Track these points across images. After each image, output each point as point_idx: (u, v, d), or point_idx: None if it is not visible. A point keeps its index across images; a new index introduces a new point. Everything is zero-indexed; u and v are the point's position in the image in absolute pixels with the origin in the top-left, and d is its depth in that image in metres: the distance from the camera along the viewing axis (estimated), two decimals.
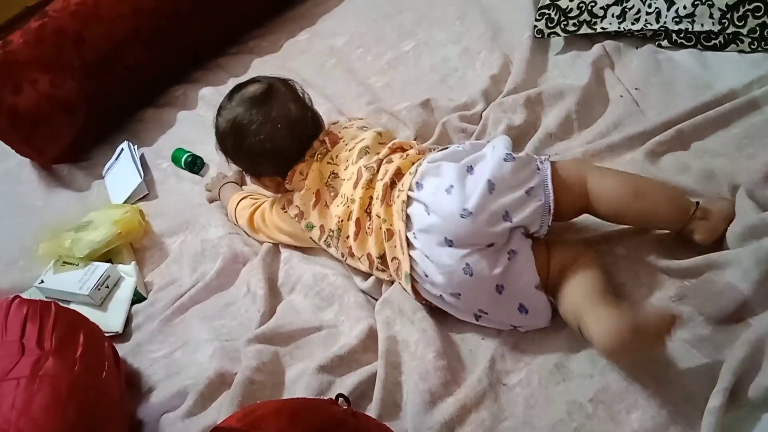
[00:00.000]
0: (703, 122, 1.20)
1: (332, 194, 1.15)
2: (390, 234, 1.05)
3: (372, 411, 0.97)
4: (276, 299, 1.21)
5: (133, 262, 1.37)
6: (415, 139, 1.36)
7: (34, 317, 1.04)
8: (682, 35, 1.34)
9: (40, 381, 0.94)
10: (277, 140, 1.15)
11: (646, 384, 0.89)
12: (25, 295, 1.31)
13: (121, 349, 1.20)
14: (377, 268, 1.10)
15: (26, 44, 1.60)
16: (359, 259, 1.12)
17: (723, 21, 1.28)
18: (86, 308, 1.28)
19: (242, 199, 1.33)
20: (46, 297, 1.33)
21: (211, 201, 1.44)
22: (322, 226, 1.15)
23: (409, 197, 1.02)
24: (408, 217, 1.02)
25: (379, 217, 1.06)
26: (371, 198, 1.09)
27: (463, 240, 0.95)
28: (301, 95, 1.21)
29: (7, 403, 0.91)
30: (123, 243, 1.39)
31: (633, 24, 1.37)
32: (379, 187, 1.08)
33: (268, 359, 1.09)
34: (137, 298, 1.31)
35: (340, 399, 0.85)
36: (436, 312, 1.06)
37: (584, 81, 1.34)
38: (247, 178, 1.37)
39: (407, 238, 1.01)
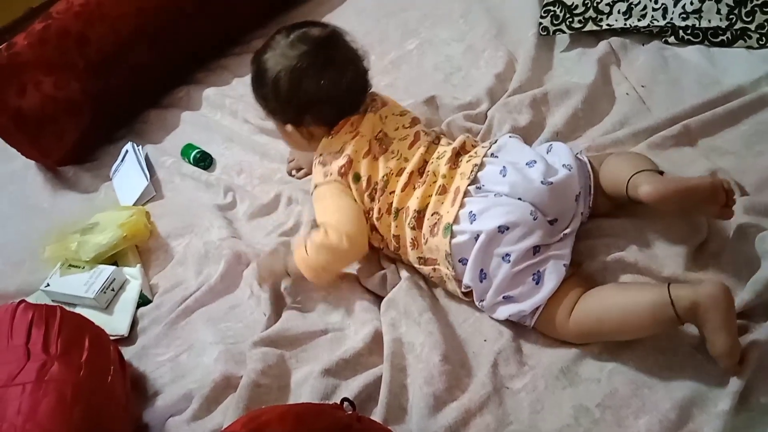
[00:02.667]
0: (710, 119, 1.20)
1: (382, 147, 1.13)
2: (443, 189, 1.06)
3: (377, 415, 0.97)
4: (281, 302, 1.20)
5: (139, 265, 1.37)
6: None
7: (40, 322, 1.04)
8: (689, 31, 1.33)
9: (45, 386, 0.95)
10: (340, 88, 1.11)
11: (654, 388, 0.88)
12: (31, 299, 1.32)
13: (127, 352, 1.20)
14: (410, 225, 1.06)
15: (30, 46, 1.60)
16: (396, 212, 1.09)
17: (731, 17, 1.26)
18: (92, 311, 1.28)
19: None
20: (52, 300, 1.33)
21: (272, 282, 1.21)
22: (369, 177, 1.11)
23: (483, 162, 1.06)
24: (476, 178, 1.04)
25: (436, 174, 1.08)
26: (425, 161, 1.11)
27: (537, 204, 0.99)
28: (360, 48, 1.17)
29: (13, 409, 0.92)
30: (129, 246, 1.39)
31: (639, 20, 1.36)
32: (442, 150, 1.11)
33: (274, 362, 1.09)
34: (143, 301, 1.31)
35: (346, 403, 0.85)
36: (441, 314, 1.06)
37: (590, 79, 1.33)
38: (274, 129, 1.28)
39: (466, 191, 1.03)
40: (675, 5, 1.31)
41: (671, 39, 1.35)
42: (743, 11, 1.25)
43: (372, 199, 1.12)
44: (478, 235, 0.98)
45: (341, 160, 1.12)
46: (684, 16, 1.30)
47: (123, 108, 1.74)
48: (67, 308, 1.26)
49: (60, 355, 1.00)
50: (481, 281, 1.00)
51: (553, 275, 0.97)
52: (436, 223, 1.04)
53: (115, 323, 1.26)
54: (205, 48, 1.84)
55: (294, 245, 1.20)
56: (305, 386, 1.05)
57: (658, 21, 1.33)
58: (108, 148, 1.71)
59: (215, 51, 1.86)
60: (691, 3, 1.29)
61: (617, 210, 1.09)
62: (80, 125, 1.66)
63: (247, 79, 1.71)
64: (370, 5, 1.81)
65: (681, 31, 1.33)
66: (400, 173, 1.10)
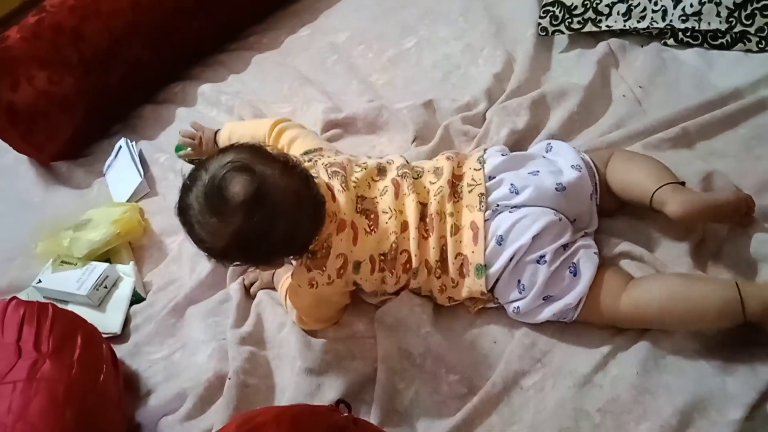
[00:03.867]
0: (708, 122, 1.20)
1: (372, 217, 1.03)
2: (456, 229, 1.02)
3: (372, 417, 0.96)
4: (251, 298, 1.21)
5: (132, 262, 1.36)
6: (414, 140, 1.35)
7: (31, 319, 1.02)
8: (688, 34, 1.32)
9: (37, 384, 0.94)
10: (298, 224, 0.95)
11: (656, 395, 0.88)
12: (22, 295, 1.31)
13: (120, 350, 1.19)
14: (435, 274, 1.02)
15: (23, 40, 1.58)
16: (414, 272, 1.03)
17: (730, 19, 1.26)
18: (84, 309, 1.27)
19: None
20: (44, 297, 1.31)
21: (255, 291, 1.20)
22: (371, 257, 1.02)
23: (487, 189, 1.02)
24: (488, 204, 1.02)
25: (441, 214, 1.02)
26: (422, 204, 1.03)
27: (557, 207, 1.00)
28: (277, 157, 0.97)
29: (4, 407, 0.90)
30: (122, 242, 1.38)
31: (639, 22, 1.35)
32: (435, 187, 1.05)
33: (259, 362, 1.09)
34: (136, 298, 1.30)
35: (341, 405, 0.84)
36: (443, 322, 1.06)
37: (588, 80, 1.33)
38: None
39: (484, 221, 1.00)
40: (675, 7, 1.31)
41: (670, 41, 1.35)
42: (743, 14, 1.25)
43: (383, 271, 1.03)
44: (512, 256, 0.98)
45: (336, 262, 1.00)
46: (683, 18, 1.30)
47: (117, 103, 1.73)
48: (59, 305, 1.25)
49: (52, 353, 0.98)
50: (520, 292, 0.99)
51: (588, 263, 0.97)
52: (462, 263, 1.02)
53: (107, 321, 1.25)
54: (201, 43, 1.82)
55: (281, 285, 1.14)
56: (290, 384, 1.04)
57: (657, 23, 1.33)
58: (102, 143, 1.70)
59: (211, 47, 1.85)
60: (691, 5, 1.29)
61: (618, 208, 1.10)
62: (74, 121, 1.64)
63: (244, 75, 1.74)
64: (368, 2, 1.79)
65: (680, 34, 1.33)
66: (404, 229, 1.02)
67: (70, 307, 1.26)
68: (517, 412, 0.94)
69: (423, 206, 1.04)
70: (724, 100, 1.21)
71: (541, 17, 1.44)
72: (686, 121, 1.20)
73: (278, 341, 1.13)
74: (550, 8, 1.43)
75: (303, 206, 0.95)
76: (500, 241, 0.99)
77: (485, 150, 1.12)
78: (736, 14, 1.25)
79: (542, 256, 0.97)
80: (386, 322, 1.07)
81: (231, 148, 0.97)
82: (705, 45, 1.32)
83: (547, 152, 1.10)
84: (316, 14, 1.84)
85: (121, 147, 1.61)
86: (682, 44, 1.34)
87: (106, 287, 1.30)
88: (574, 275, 0.97)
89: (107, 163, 1.62)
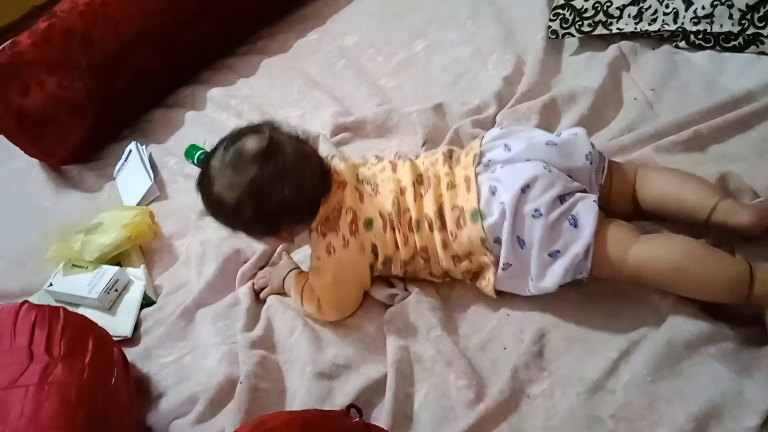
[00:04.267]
0: (721, 125, 1.18)
1: (372, 184, 1.09)
2: (452, 185, 1.04)
3: (382, 422, 0.96)
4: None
5: (143, 266, 1.36)
6: (424, 143, 1.35)
7: (43, 323, 1.02)
8: (700, 36, 1.31)
9: (48, 388, 0.94)
10: (304, 186, 1.03)
11: (671, 401, 0.87)
12: (34, 298, 1.32)
13: (131, 353, 1.18)
14: (434, 226, 1.03)
15: (34, 45, 1.59)
16: (418, 223, 1.05)
17: (743, 22, 1.25)
18: (95, 312, 1.27)
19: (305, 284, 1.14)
20: (55, 300, 1.32)
21: (265, 296, 1.21)
22: (380, 213, 1.06)
23: (482, 152, 1.06)
24: (480, 162, 1.04)
25: (438, 176, 1.06)
26: (419, 174, 1.08)
27: (545, 160, 1.00)
28: (291, 130, 1.09)
29: (16, 411, 0.90)
30: (132, 246, 1.38)
31: (650, 25, 1.34)
32: (432, 158, 1.10)
33: (270, 366, 1.09)
34: (146, 302, 1.30)
35: (352, 410, 0.84)
36: (453, 327, 1.06)
37: (598, 83, 1.32)
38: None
39: (476, 173, 1.03)
40: (686, 10, 1.30)
41: (682, 44, 1.34)
42: (756, 16, 1.24)
43: (394, 230, 1.06)
44: (505, 208, 0.97)
45: (347, 217, 1.05)
46: (695, 20, 1.29)
47: (127, 108, 1.74)
48: (70, 309, 1.26)
49: (63, 357, 0.98)
50: (521, 248, 0.98)
51: (588, 211, 0.96)
52: (459, 215, 1.02)
53: (118, 324, 1.26)
54: (210, 48, 1.83)
55: (294, 281, 1.16)
56: (301, 389, 1.04)
57: (668, 25, 1.32)
58: (112, 147, 1.71)
59: (220, 51, 1.86)
60: (703, 8, 1.28)
61: (631, 217, 1.08)
62: (84, 125, 1.65)
63: (253, 79, 1.75)
64: (377, 6, 1.80)
65: (692, 36, 1.32)
66: (403, 192, 1.07)
67: (81, 311, 1.26)
68: (526, 420, 0.93)
69: (419, 175, 1.08)
70: (737, 102, 1.20)
71: (551, 20, 1.44)
72: (698, 124, 1.18)
73: (289, 345, 1.12)
74: (560, 11, 1.42)
75: (311, 165, 1.05)
76: (494, 191, 1.00)
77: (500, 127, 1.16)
78: (748, 16, 1.24)
79: (537, 209, 0.96)
80: (396, 325, 1.07)
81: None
82: (717, 47, 1.31)
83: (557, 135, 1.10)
84: (324, 18, 1.85)
85: (131, 151, 1.61)
86: (694, 47, 1.33)
87: (116, 290, 1.30)
88: (575, 226, 0.95)
89: (117, 167, 1.63)
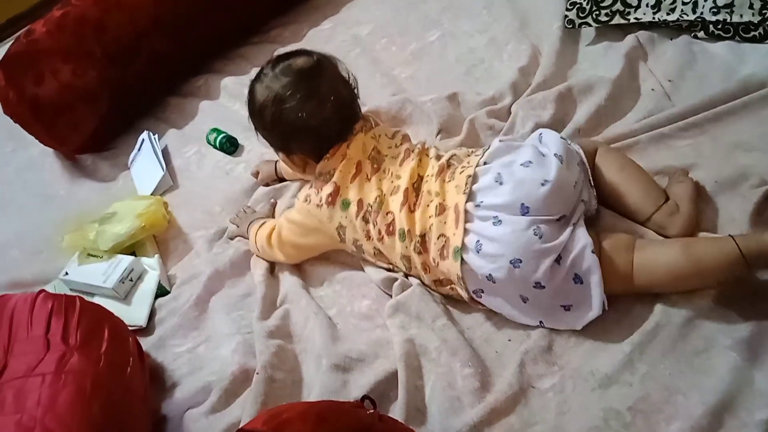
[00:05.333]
0: (737, 115, 1.17)
1: (374, 167, 1.11)
2: (442, 209, 1.03)
3: (397, 416, 0.96)
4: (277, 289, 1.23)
5: (157, 255, 1.37)
6: (438, 133, 1.34)
7: (59, 312, 1.03)
8: (719, 26, 1.30)
9: (65, 377, 0.94)
10: (321, 118, 1.10)
11: (688, 394, 0.87)
12: (49, 287, 1.33)
13: (145, 343, 1.19)
14: (416, 250, 1.05)
15: (48, 33, 1.59)
16: (401, 235, 1.06)
17: (763, 11, 1.23)
18: (110, 301, 1.28)
19: (261, 225, 1.26)
20: (71, 289, 1.33)
21: (233, 237, 1.34)
22: (360, 201, 1.10)
23: (476, 173, 1.04)
24: (471, 192, 1.02)
25: (431, 193, 1.05)
26: (420, 176, 1.08)
27: (541, 207, 0.97)
28: (348, 76, 1.16)
29: (33, 400, 0.91)
30: (147, 236, 1.39)
31: (668, 14, 1.33)
32: (433, 164, 1.09)
33: (286, 357, 1.09)
34: (161, 291, 1.30)
35: (366, 401, 0.84)
36: (456, 319, 1.06)
37: (615, 73, 1.31)
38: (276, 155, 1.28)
39: (466, 210, 1.00)
40: None
41: (701, 34, 1.32)
42: None
43: (366, 222, 1.10)
44: (490, 275, 0.97)
45: (329, 188, 1.11)
46: (715, 10, 1.27)
47: (141, 96, 1.73)
48: (86, 298, 1.27)
49: (79, 346, 0.99)
50: (524, 302, 0.99)
51: (591, 268, 0.95)
52: (444, 245, 1.02)
53: (133, 313, 1.26)
54: (224, 37, 1.82)
55: (253, 227, 1.26)
56: (316, 381, 1.04)
57: (687, 15, 1.30)
58: (127, 136, 1.71)
59: (233, 40, 1.85)
60: None
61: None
62: (98, 113, 1.65)
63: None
64: None
65: (711, 26, 1.30)
66: (394, 192, 1.08)
67: (96, 300, 1.27)
68: (538, 413, 0.93)
69: (419, 178, 1.08)
70: (755, 93, 1.19)
71: (567, 9, 1.42)
72: (714, 114, 1.17)
73: (305, 335, 1.13)
74: (577, 1, 1.41)
75: (338, 107, 1.11)
76: (479, 248, 0.98)
77: (500, 140, 1.12)
78: None
79: (537, 282, 0.95)
80: (399, 318, 1.07)
81: None
82: (737, 38, 1.29)
83: (540, 142, 1.08)
84: (338, 7, 1.84)
85: (143, 140, 1.61)
86: (713, 37, 1.31)
87: (131, 280, 1.31)
88: (581, 283, 0.95)
89: (131, 156, 1.63)
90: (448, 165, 1.08)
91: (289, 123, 1.10)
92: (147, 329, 1.25)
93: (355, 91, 1.16)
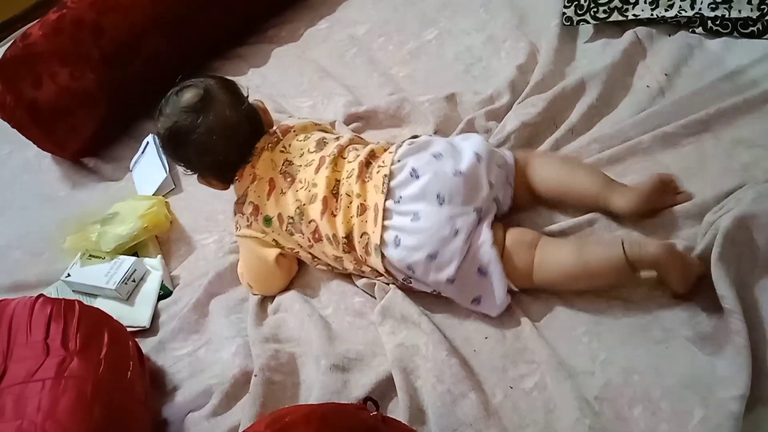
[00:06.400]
0: (736, 112, 1.17)
1: (288, 180, 1.14)
2: (363, 209, 1.07)
3: (400, 416, 0.96)
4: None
5: (159, 256, 1.36)
6: (435, 133, 1.33)
7: (58, 317, 1.03)
8: (717, 22, 1.29)
9: (65, 382, 0.94)
10: (214, 150, 1.14)
11: (645, 375, 0.90)
12: (52, 289, 1.33)
13: (145, 346, 1.19)
14: (344, 250, 1.09)
15: (45, 37, 1.58)
16: (328, 239, 1.10)
17: (762, 7, 1.23)
18: (113, 302, 1.28)
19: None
20: (73, 290, 1.33)
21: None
22: (279, 215, 1.13)
23: (391, 171, 1.06)
24: (390, 190, 1.05)
25: (350, 195, 1.08)
26: (337, 180, 1.10)
27: (455, 197, 1.02)
28: (240, 98, 1.18)
29: (33, 405, 0.91)
30: (149, 236, 1.38)
31: (666, 11, 1.32)
32: (350, 167, 1.11)
33: (284, 359, 1.09)
34: (164, 292, 1.30)
35: (369, 403, 0.84)
36: (438, 315, 1.07)
37: (610, 71, 1.30)
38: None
39: (385, 208, 1.05)
40: None
41: (699, 29, 1.31)
42: None
43: (292, 233, 1.13)
44: (409, 266, 1.03)
45: (248, 208, 1.16)
46: (713, 6, 1.27)
47: (139, 99, 1.72)
48: (88, 299, 1.28)
49: (79, 351, 0.99)
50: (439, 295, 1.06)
51: (491, 262, 1.00)
52: (367, 243, 1.06)
53: (136, 314, 1.26)
54: (221, 37, 1.82)
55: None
56: (316, 382, 1.04)
57: (686, 11, 1.30)
58: (126, 139, 1.70)
59: (230, 40, 1.84)
60: None
61: (532, 203, 1.15)
62: (96, 117, 1.65)
63: (264, 69, 1.74)
64: None
65: (709, 22, 1.30)
66: (312, 201, 1.10)
67: (98, 301, 1.28)
68: (527, 415, 0.93)
69: (336, 183, 1.11)
70: (753, 89, 1.18)
71: (565, 6, 1.41)
72: (712, 111, 1.17)
73: (302, 338, 1.12)
74: None
75: (228, 134, 1.14)
76: (397, 243, 1.03)
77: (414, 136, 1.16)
78: (767, 1, 1.22)
79: (449, 279, 1.01)
80: (388, 324, 1.08)
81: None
82: (735, 33, 1.28)
83: (463, 140, 1.12)
84: (334, 6, 1.83)
85: (148, 143, 1.61)
86: (711, 33, 1.31)
87: (134, 281, 1.31)
88: (485, 275, 1.01)
89: (134, 159, 1.62)
90: (367, 164, 1.10)
91: (186, 158, 1.18)
92: (150, 330, 1.25)
93: (248, 110, 1.18)
